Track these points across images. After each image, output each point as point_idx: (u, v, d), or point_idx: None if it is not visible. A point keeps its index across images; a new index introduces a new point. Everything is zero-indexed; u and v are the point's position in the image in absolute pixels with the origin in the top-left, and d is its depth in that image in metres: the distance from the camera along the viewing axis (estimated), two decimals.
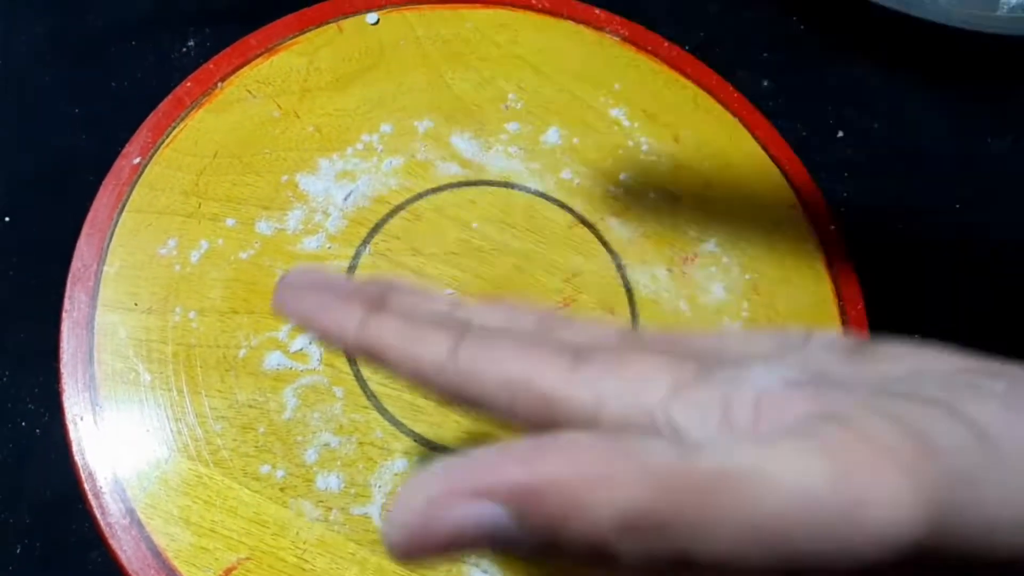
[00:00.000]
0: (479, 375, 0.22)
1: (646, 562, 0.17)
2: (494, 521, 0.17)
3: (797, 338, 0.23)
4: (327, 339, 0.24)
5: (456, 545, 0.18)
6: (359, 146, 0.43)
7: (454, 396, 0.23)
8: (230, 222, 0.41)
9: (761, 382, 0.20)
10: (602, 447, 0.18)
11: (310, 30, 0.46)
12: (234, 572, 0.35)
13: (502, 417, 0.22)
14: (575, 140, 0.45)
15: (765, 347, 0.23)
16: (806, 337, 0.23)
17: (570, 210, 0.43)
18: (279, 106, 0.44)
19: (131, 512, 0.36)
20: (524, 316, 0.24)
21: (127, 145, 0.42)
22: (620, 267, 0.43)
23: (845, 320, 0.43)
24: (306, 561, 0.35)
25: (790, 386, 0.20)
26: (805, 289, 0.43)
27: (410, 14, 0.47)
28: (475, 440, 0.38)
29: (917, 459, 0.17)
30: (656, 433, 0.20)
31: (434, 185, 0.43)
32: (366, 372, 0.39)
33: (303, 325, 0.24)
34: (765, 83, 0.52)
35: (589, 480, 0.17)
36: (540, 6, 0.48)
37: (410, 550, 0.18)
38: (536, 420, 0.22)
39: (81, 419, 0.37)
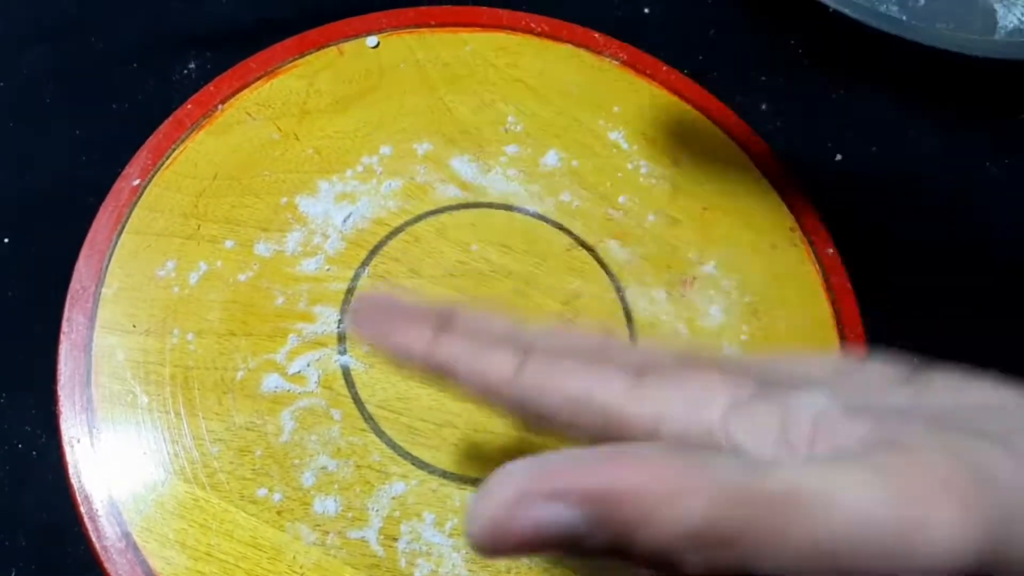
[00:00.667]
0: (543, 391, 0.23)
1: (708, 571, 0.18)
2: (569, 523, 0.18)
3: (851, 364, 0.23)
4: (399, 358, 0.25)
5: (532, 543, 0.19)
6: (359, 168, 0.44)
7: (519, 410, 0.24)
8: (229, 244, 0.41)
9: (818, 404, 0.21)
10: (675, 459, 0.18)
11: (310, 53, 0.46)
12: None
13: (565, 432, 0.24)
14: (574, 163, 0.45)
15: (819, 371, 0.23)
16: (860, 364, 0.23)
17: (569, 233, 0.44)
18: (279, 128, 0.44)
19: (127, 535, 0.35)
20: (585, 339, 0.26)
21: (127, 167, 0.42)
22: (619, 290, 0.43)
23: (844, 342, 0.43)
24: None
25: (847, 410, 0.21)
26: (804, 311, 0.43)
27: (410, 37, 0.47)
28: (473, 462, 0.38)
29: (973, 491, 0.18)
30: (716, 450, 0.21)
31: (433, 207, 0.43)
32: (364, 395, 0.39)
33: (376, 345, 0.26)
34: (764, 106, 0.52)
35: (663, 492, 0.18)
36: (540, 30, 0.49)
37: (491, 544, 0.19)
38: (598, 435, 0.23)
39: (78, 441, 0.37)
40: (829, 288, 0.44)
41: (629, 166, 0.46)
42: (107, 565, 0.35)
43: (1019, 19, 0.55)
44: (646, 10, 0.53)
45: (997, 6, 0.55)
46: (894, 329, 0.46)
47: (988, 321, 0.48)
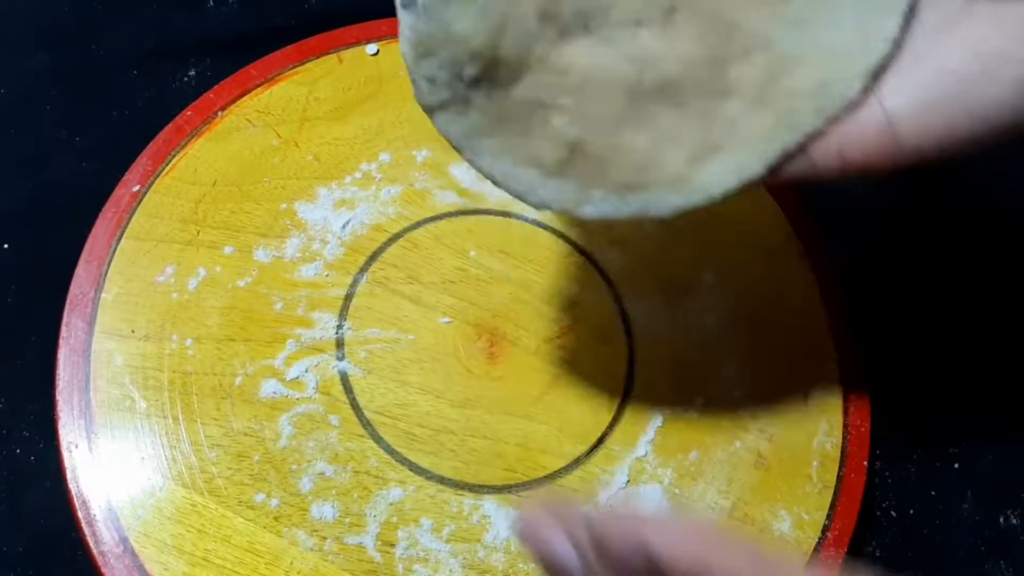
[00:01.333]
0: None
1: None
2: (565, 551, 0.26)
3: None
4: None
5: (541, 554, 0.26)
6: (358, 175, 0.44)
7: None
8: (228, 250, 0.41)
9: None
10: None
11: (310, 60, 0.46)
12: None
13: None
14: None
15: None
16: None
17: (568, 240, 0.44)
18: (279, 135, 0.44)
19: (124, 540, 0.35)
20: None
21: (127, 173, 0.42)
22: (617, 297, 0.43)
23: (839, 345, 0.43)
24: None
25: None
26: (799, 317, 0.44)
27: None
28: (471, 469, 0.38)
29: None
30: None
31: (432, 214, 0.43)
32: (362, 400, 0.39)
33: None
34: None
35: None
36: None
37: (522, 539, 0.27)
38: None
39: (76, 446, 0.37)
40: (825, 295, 0.44)
41: None
42: (104, 570, 0.35)
43: None
44: None
45: None
46: (890, 335, 0.47)
47: (985, 326, 0.48)
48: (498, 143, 0.27)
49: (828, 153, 0.28)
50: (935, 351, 0.47)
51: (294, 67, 0.46)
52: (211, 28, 0.50)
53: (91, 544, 0.35)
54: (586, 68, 0.26)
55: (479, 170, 0.27)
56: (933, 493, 0.44)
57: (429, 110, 0.27)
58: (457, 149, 0.27)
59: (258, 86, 0.45)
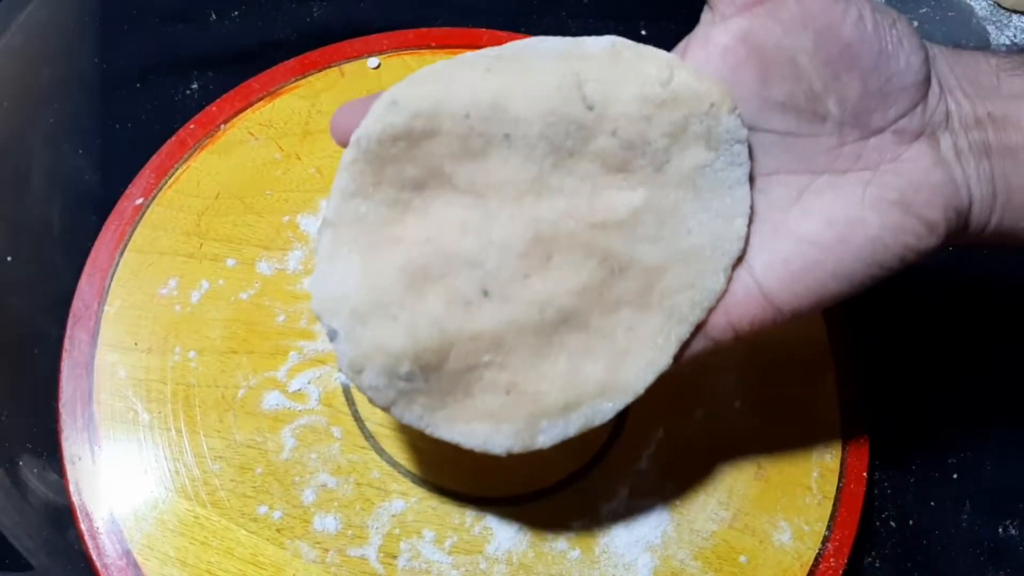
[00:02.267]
0: None
1: None
2: None
3: None
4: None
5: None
6: None
7: None
8: (231, 262, 0.41)
9: None
10: None
11: (312, 74, 0.46)
12: None
13: None
14: None
15: None
16: None
17: None
18: (281, 148, 0.44)
19: (127, 553, 0.36)
20: None
21: (130, 186, 0.42)
22: None
23: (838, 356, 0.43)
24: None
25: None
26: (798, 328, 0.44)
27: (411, 59, 0.48)
28: (473, 480, 0.38)
29: None
30: None
31: None
32: (364, 412, 0.39)
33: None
34: None
35: None
36: None
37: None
38: None
39: (79, 459, 0.37)
40: (823, 310, 0.44)
41: None
42: None
43: (1011, 39, 0.56)
44: (643, 32, 0.54)
45: (989, 27, 0.56)
46: (887, 346, 0.47)
47: (984, 336, 0.48)
48: (449, 413, 0.30)
49: (721, 329, 0.31)
50: (934, 362, 0.47)
51: (296, 80, 0.46)
52: (214, 42, 0.51)
53: (94, 557, 0.36)
54: (496, 326, 0.30)
55: (441, 438, 0.31)
56: (932, 503, 0.44)
57: (384, 409, 0.30)
58: (417, 429, 0.30)
59: (260, 99, 0.45)
